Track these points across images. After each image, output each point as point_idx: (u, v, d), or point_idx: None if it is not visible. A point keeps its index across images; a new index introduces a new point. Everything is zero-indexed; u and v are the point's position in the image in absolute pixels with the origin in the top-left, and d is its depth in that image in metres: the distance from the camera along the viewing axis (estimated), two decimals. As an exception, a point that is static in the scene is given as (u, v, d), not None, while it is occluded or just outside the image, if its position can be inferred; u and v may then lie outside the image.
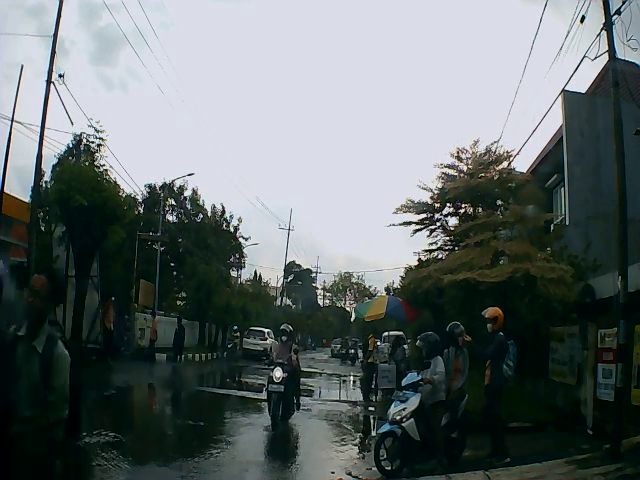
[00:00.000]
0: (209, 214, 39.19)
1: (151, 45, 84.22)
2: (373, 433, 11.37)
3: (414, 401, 6.68)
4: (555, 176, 15.12)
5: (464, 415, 7.34)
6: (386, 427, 6.70)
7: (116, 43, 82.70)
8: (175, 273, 36.20)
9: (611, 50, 7.89)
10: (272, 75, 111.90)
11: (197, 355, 26.97)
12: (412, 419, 6.56)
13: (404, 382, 7.03)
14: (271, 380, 9.86)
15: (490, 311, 7.65)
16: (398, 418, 6.57)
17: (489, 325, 7.54)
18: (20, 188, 25.70)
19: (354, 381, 22.36)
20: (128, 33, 50.13)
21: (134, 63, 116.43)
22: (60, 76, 15.25)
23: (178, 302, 36.46)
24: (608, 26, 7.89)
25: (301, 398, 11.62)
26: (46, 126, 15.29)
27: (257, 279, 55.53)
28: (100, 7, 71.25)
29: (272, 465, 7.59)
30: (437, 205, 14.26)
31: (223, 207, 40.64)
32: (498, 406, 7.45)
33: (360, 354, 33.92)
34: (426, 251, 16.16)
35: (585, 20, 8.51)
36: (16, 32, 48.23)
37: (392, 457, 6.65)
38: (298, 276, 73.36)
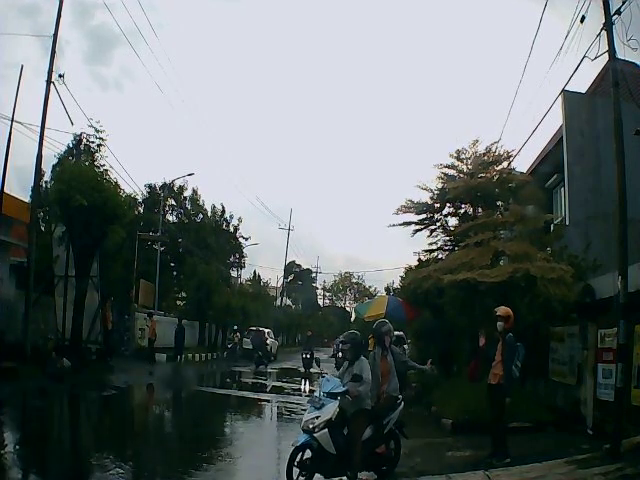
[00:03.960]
0: (209, 214, 39.28)
1: (147, 44, 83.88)
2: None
3: (330, 409, 5.89)
4: (555, 176, 15.10)
5: (399, 426, 6.62)
6: (302, 438, 5.83)
7: (111, 42, 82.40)
8: (175, 273, 36.23)
9: (611, 50, 7.89)
10: (272, 75, 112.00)
11: (197, 355, 27.00)
12: (326, 429, 5.80)
13: (325, 389, 6.10)
14: None
15: (502, 309, 7.54)
16: (310, 427, 5.79)
17: (500, 324, 7.40)
18: (20, 188, 25.77)
19: None
20: (123, 33, 50.08)
21: (130, 62, 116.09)
22: (60, 76, 15.30)
23: (178, 302, 36.48)
24: (608, 26, 7.89)
25: (302, 398, 11.33)
26: (46, 126, 15.34)
27: (256, 279, 55.60)
28: (93, 6, 71.09)
29: (272, 465, 7.57)
30: (437, 205, 14.25)
31: (223, 207, 40.81)
32: (504, 406, 7.41)
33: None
34: (426, 251, 16.16)
35: (585, 20, 8.51)
36: (11, 32, 48.17)
37: (304, 470, 5.84)
38: (298, 276, 73.41)
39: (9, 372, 12.38)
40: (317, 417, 5.80)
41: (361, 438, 6.06)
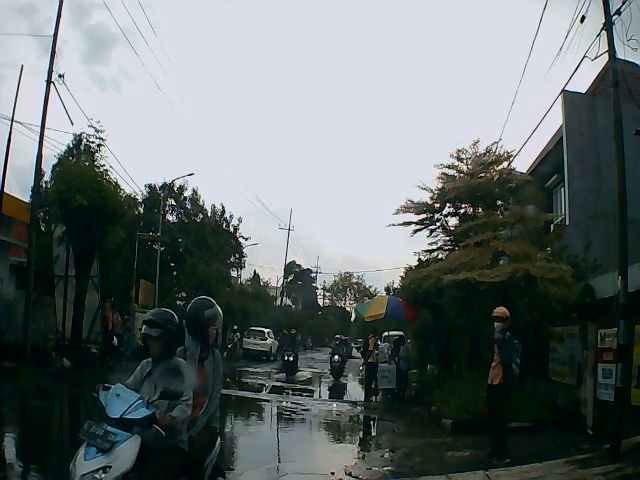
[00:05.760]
0: (209, 214, 39.27)
1: (146, 44, 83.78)
2: (373, 433, 11.38)
3: (127, 454, 3.29)
4: (555, 176, 15.11)
5: (217, 470, 4.15)
6: None
7: (109, 42, 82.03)
8: (175, 273, 36.22)
9: (611, 50, 7.89)
10: (272, 74, 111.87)
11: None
12: None
13: (116, 412, 3.43)
14: None
15: (499, 310, 7.57)
16: None
17: (499, 324, 7.41)
18: (20, 188, 25.75)
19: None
20: (120, 32, 49.64)
21: (129, 62, 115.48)
22: (60, 76, 15.27)
23: (178, 302, 36.46)
24: (608, 26, 7.90)
25: (302, 398, 11.18)
26: (46, 126, 15.32)
27: (256, 279, 55.63)
28: (90, 6, 70.93)
29: (272, 465, 7.58)
30: (437, 205, 14.27)
31: (223, 207, 40.77)
32: (504, 406, 7.40)
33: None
34: (426, 251, 16.17)
35: (585, 20, 8.52)
36: (9, 32, 48.15)
37: None
38: (298, 276, 73.29)
39: (9, 372, 12.38)
40: (107, 468, 3.19)
41: None
